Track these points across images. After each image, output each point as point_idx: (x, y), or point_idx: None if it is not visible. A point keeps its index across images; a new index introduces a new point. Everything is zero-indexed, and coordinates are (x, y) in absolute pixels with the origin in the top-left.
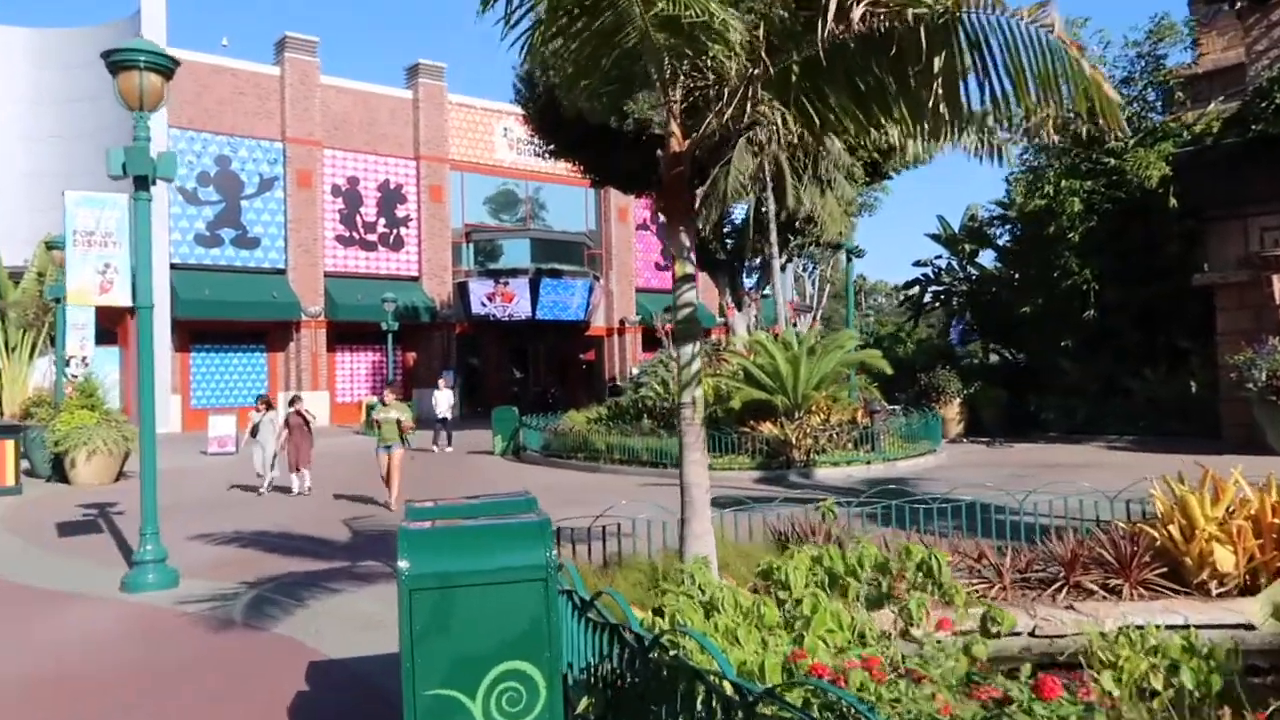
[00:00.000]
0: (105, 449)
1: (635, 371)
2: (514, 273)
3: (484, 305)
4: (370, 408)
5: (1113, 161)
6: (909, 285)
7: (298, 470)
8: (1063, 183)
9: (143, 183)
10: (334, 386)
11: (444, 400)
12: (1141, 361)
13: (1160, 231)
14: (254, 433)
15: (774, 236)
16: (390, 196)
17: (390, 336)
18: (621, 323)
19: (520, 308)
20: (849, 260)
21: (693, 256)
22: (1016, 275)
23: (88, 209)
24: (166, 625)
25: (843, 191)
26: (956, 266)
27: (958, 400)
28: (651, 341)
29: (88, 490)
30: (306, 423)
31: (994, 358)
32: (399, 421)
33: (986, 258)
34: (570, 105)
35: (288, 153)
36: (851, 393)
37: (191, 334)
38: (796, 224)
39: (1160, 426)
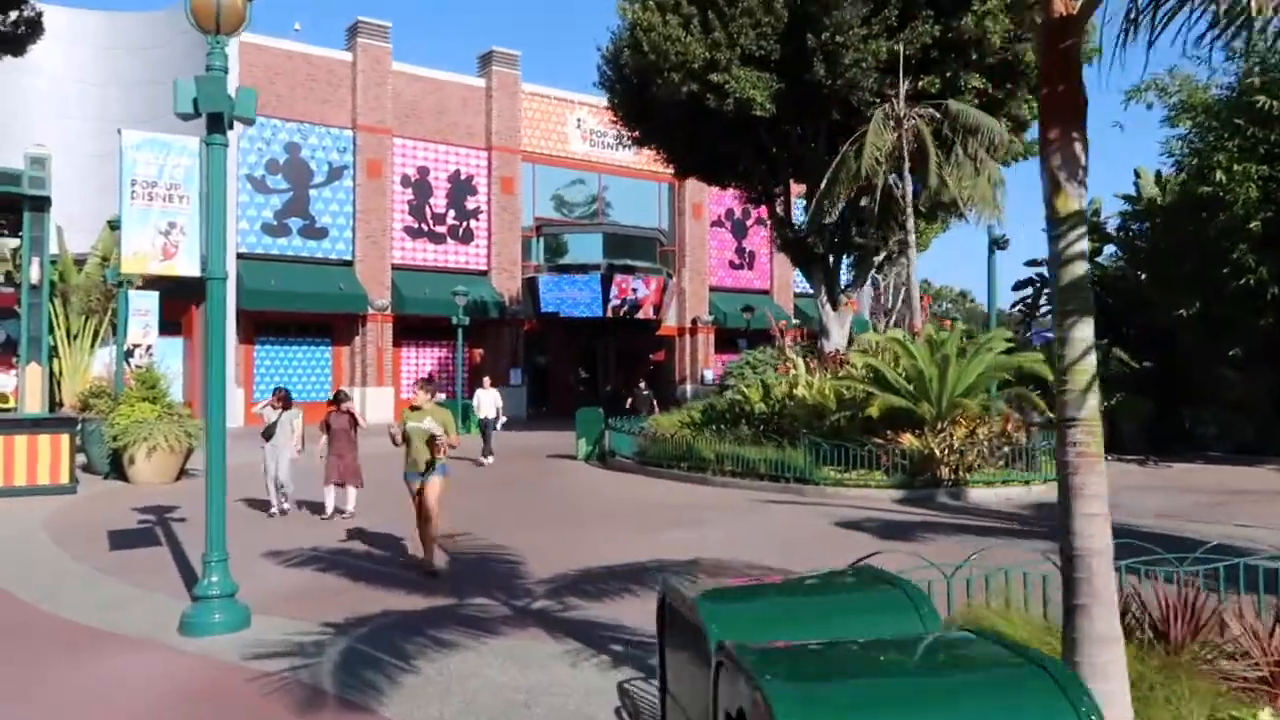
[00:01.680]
0: (166, 445)
1: (708, 374)
2: (584, 268)
3: (612, 299)
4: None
5: None
6: (1020, 285)
7: (341, 485)
8: (1235, 166)
9: (217, 123)
10: (399, 383)
11: (488, 401)
12: None
13: None
14: (267, 435)
15: (910, 223)
16: (460, 188)
17: (460, 331)
18: (694, 322)
19: (592, 305)
20: (992, 251)
21: (1085, 178)
22: (1143, 275)
23: (150, 153)
24: (235, 691)
25: (992, 172)
26: None
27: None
28: (725, 343)
29: (147, 490)
30: (355, 425)
31: (1113, 365)
32: (433, 437)
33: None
34: (665, 84)
35: (358, 141)
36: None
37: (257, 326)
38: (926, 209)
39: None
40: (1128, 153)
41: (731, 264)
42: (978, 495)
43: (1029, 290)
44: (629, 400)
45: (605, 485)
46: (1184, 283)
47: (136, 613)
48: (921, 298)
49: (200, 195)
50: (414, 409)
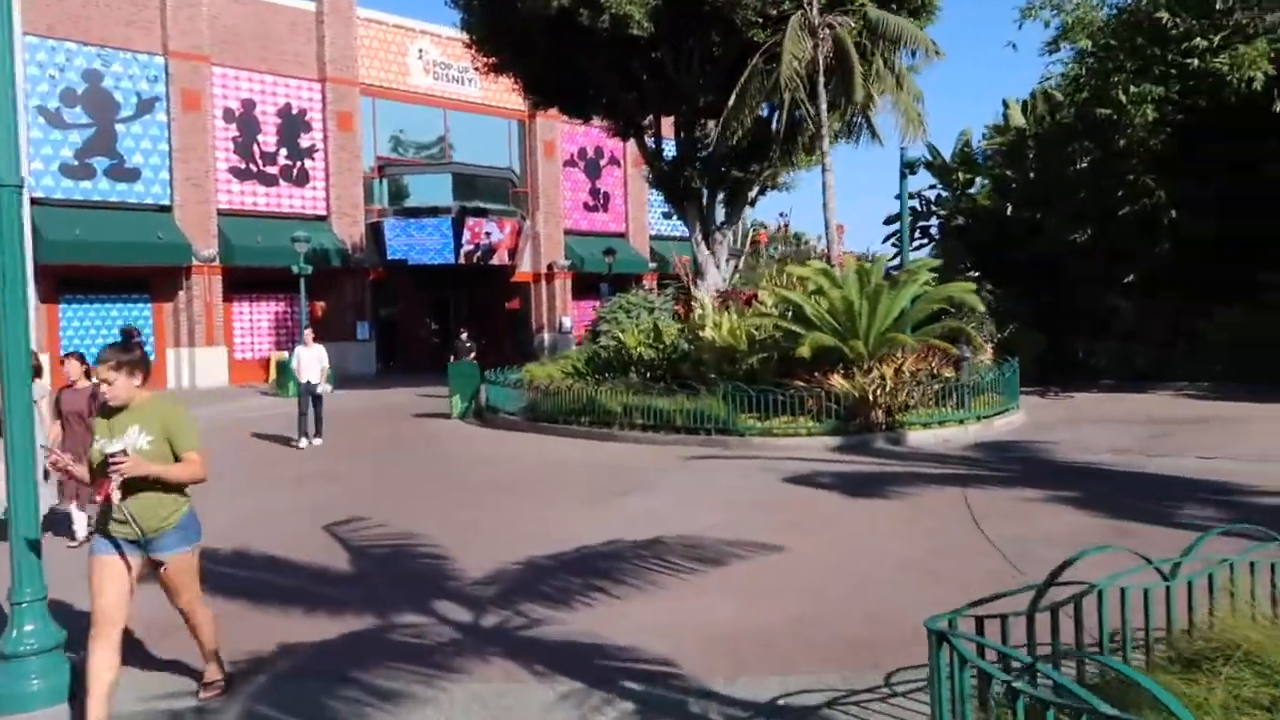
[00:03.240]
0: None
1: (566, 322)
2: (434, 211)
3: (465, 244)
4: (282, 364)
5: (1194, 63)
6: (892, 220)
7: (77, 501)
8: (1132, 87)
9: None
10: (231, 341)
11: (310, 361)
12: (1210, 300)
13: (1254, 148)
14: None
15: (826, 144)
16: (292, 123)
17: (303, 282)
18: (550, 267)
19: (443, 251)
20: (905, 175)
21: None
22: (1010, 207)
23: None
24: None
25: (910, 85)
26: (950, 198)
27: (989, 346)
28: (583, 288)
29: None
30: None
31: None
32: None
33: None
34: None
35: (170, 69)
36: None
37: (60, 281)
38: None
39: (1241, 371)
40: (1012, 79)
41: (586, 206)
42: (916, 438)
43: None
44: (453, 356)
45: (501, 447)
46: (1074, 210)
47: None
48: (756, 236)
49: None
50: (107, 411)
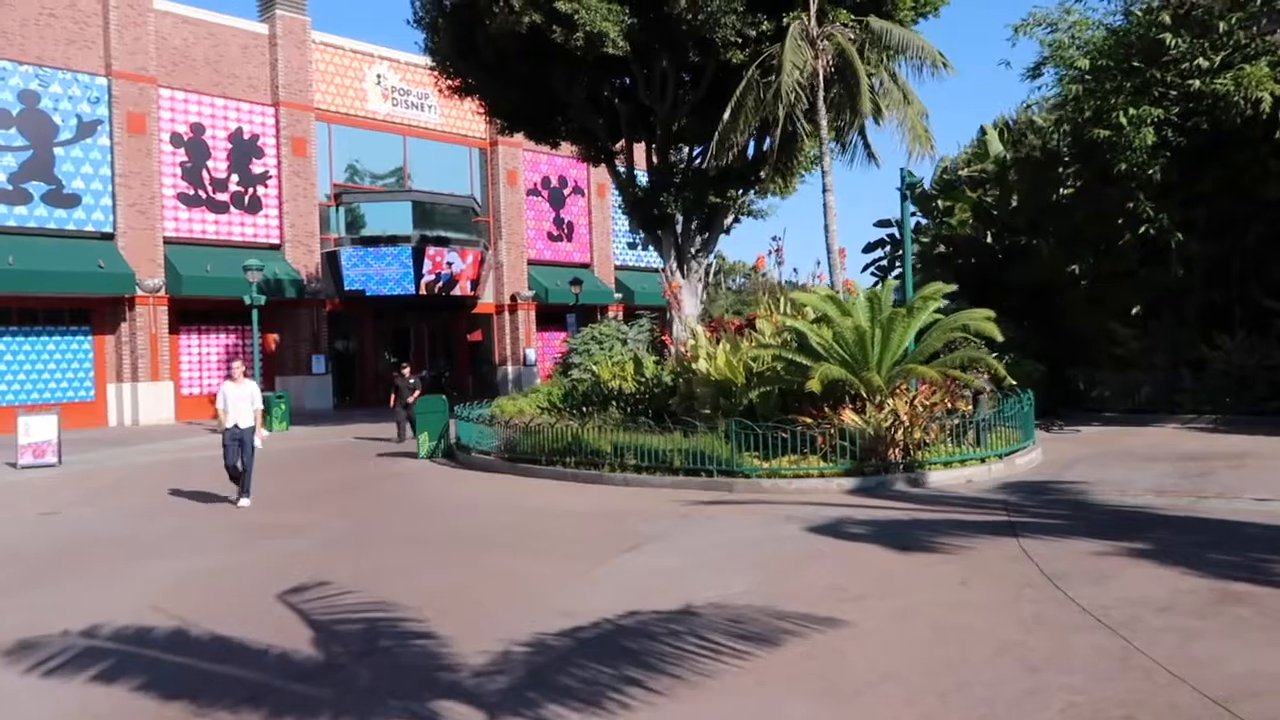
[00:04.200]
0: None
1: (530, 354)
2: (394, 240)
3: (425, 274)
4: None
5: (1195, 84)
6: (871, 247)
7: None
8: (1131, 109)
9: None
10: (178, 376)
11: (240, 400)
12: (1214, 328)
13: (1256, 171)
14: None
15: (828, 161)
16: (244, 148)
17: (256, 313)
18: (513, 298)
19: (402, 281)
20: (905, 198)
21: None
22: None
23: None
24: None
25: (916, 101)
26: (931, 225)
27: (986, 377)
28: (547, 320)
29: None
30: None
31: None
32: None
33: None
34: (502, 15)
35: (114, 90)
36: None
37: None
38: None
39: (1249, 402)
40: (982, 105)
41: (550, 235)
42: (938, 479)
43: (879, 252)
44: (392, 395)
45: (478, 491)
46: (1068, 235)
47: None
48: (717, 271)
49: None
50: None
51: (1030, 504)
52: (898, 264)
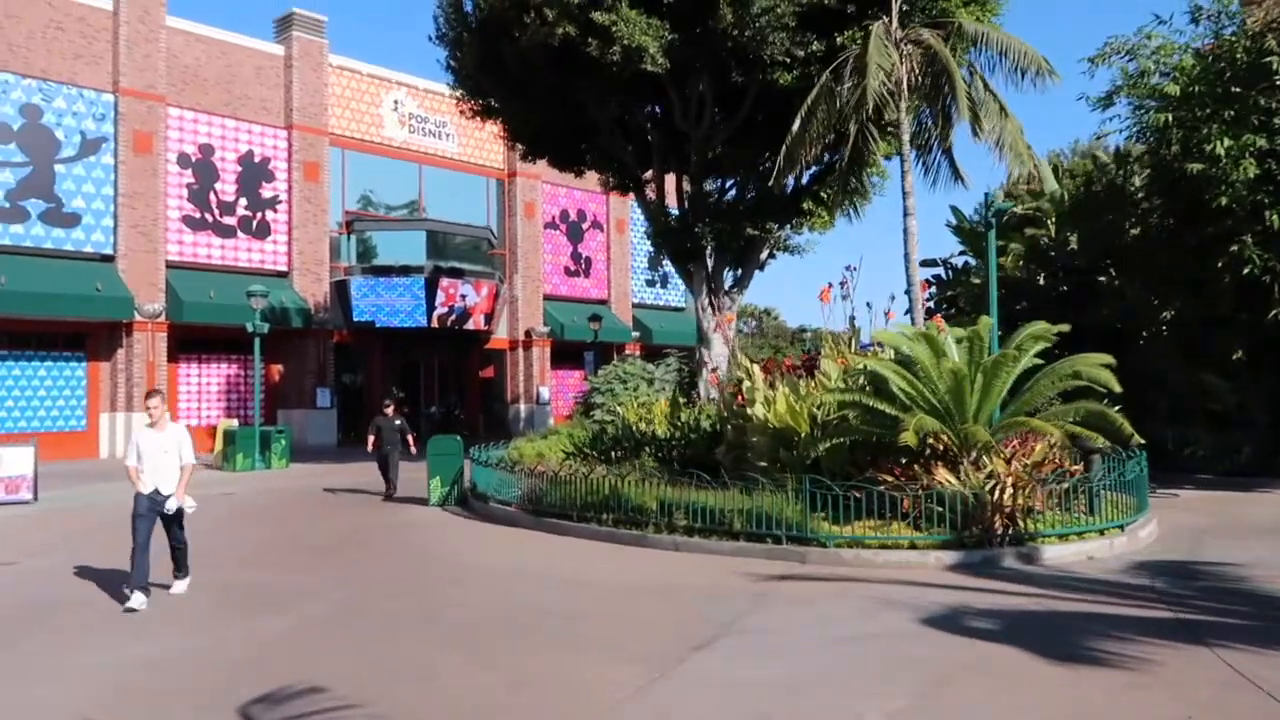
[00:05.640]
0: None
1: (544, 392)
2: (406, 270)
3: (438, 306)
4: (229, 434)
5: None
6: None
7: None
8: (1227, 139)
9: None
10: (176, 406)
11: (157, 452)
12: None
13: None
14: None
15: (910, 181)
16: (254, 172)
17: (259, 342)
18: (528, 334)
19: (414, 313)
20: (991, 225)
21: None
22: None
23: None
24: None
25: (1013, 117)
26: (981, 266)
27: (1058, 432)
28: (562, 357)
29: None
30: None
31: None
32: None
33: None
34: (533, 27)
35: (120, 107)
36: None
37: None
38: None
39: None
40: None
41: (567, 270)
42: (1054, 555)
43: (926, 294)
44: (371, 438)
45: (500, 553)
46: (1154, 276)
47: None
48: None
49: None
50: None
51: (1186, 593)
52: (944, 307)
